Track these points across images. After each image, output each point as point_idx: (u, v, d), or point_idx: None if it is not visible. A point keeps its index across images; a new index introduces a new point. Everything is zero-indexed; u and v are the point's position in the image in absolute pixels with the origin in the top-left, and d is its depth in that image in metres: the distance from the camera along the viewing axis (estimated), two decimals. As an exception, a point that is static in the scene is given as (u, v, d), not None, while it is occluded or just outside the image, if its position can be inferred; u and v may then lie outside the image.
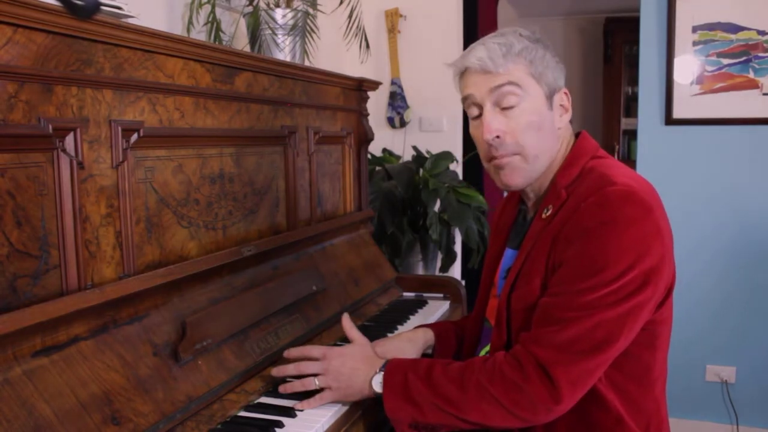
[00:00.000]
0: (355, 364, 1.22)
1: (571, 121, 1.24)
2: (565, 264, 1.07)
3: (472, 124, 1.21)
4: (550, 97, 1.17)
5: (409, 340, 1.41)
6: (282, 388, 1.27)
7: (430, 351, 1.45)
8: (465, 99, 1.19)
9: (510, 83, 1.13)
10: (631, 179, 1.11)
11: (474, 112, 1.18)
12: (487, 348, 1.28)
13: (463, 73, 1.20)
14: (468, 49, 1.19)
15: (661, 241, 1.08)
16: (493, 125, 1.14)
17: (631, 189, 1.08)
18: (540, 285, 1.12)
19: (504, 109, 1.14)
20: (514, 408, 1.06)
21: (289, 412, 1.22)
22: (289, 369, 1.27)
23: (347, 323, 1.35)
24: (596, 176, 1.13)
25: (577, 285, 1.05)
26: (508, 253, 1.27)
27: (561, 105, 1.20)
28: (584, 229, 1.06)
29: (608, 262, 1.04)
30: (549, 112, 1.17)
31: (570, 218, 1.09)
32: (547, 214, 1.15)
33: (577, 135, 1.24)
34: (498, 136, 1.14)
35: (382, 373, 1.17)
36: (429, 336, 1.43)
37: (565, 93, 1.20)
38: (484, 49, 1.15)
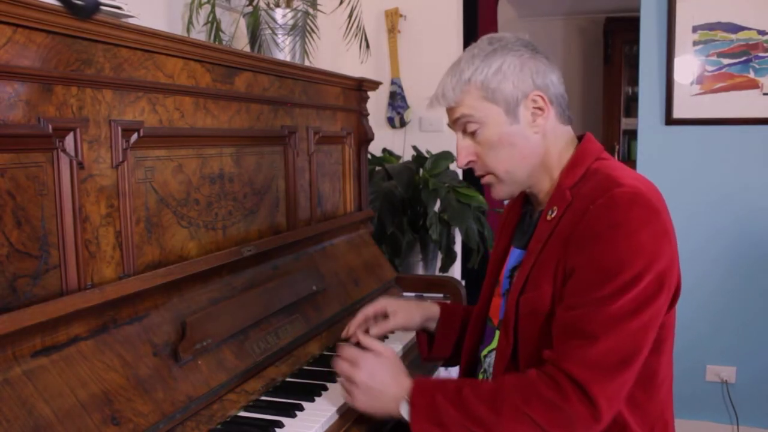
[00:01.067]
0: (385, 380, 1.18)
1: (572, 120, 1.24)
2: (579, 270, 1.07)
3: None
4: (512, 111, 1.15)
5: (418, 306, 1.47)
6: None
7: (432, 325, 1.47)
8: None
9: (463, 116, 1.18)
10: (637, 180, 1.11)
11: None
12: (490, 347, 1.27)
13: None
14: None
15: (669, 242, 1.08)
16: (462, 153, 1.20)
17: (638, 191, 1.08)
18: (550, 290, 1.11)
19: (470, 134, 1.19)
20: (553, 428, 1.04)
21: (289, 412, 1.22)
22: (341, 363, 1.22)
23: (367, 339, 1.30)
24: (602, 177, 1.12)
25: (595, 293, 1.04)
26: (515, 253, 1.26)
27: (535, 108, 1.16)
28: (594, 233, 1.06)
29: (623, 266, 1.03)
30: (514, 126, 1.16)
31: (579, 222, 1.08)
32: (553, 215, 1.15)
33: (580, 138, 1.23)
34: (471, 161, 1.20)
35: (409, 397, 1.15)
36: (435, 310, 1.47)
37: (538, 95, 1.15)
38: (440, 86, 1.20)
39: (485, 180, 1.22)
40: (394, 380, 1.18)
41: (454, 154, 1.26)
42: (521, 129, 1.17)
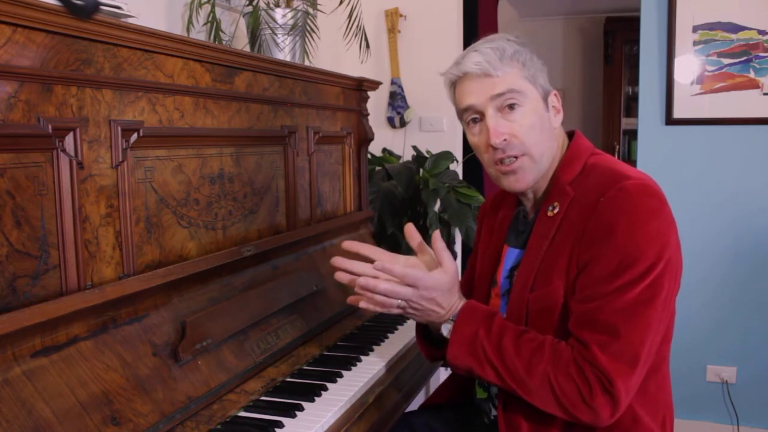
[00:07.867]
0: (440, 300, 1.17)
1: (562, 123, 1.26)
2: (595, 262, 1.08)
3: (471, 131, 1.21)
4: (545, 99, 1.20)
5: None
6: (361, 304, 1.21)
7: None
8: (465, 110, 1.20)
9: (510, 91, 1.15)
10: (640, 172, 1.15)
11: (474, 119, 1.20)
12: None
13: (457, 81, 1.21)
14: (460, 56, 1.20)
15: (675, 231, 1.11)
16: (498, 131, 1.15)
17: (646, 181, 1.11)
18: (562, 285, 1.12)
19: (506, 113, 1.16)
20: (574, 411, 1.06)
21: (289, 412, 1.22)
22: (381, 287, 1.16)
23: (440, 243, 1.27)
24: (605, 171, 1.15)
25: (611, 284, 1.06)
26: (512, 253, 1.26)
27: (553, 106, 1.22)
28: (609, 225, 1.08)
29: (637, 256, 1.05)
30: (546, 113, 1.20)
31: (590, 216, 1.10)
32: (554, 212, 1.16)
33: (570, 135, 1.26)
34: (505, 139, 1.15)
35: (453, 322, 1.17)
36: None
37: (555, 94, 1.23)
38: (478, 54, 1.16)
39: (517, 165, 1.17)
40: (445, 300, 1.18)
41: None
42: (549, 118, 1.21)
